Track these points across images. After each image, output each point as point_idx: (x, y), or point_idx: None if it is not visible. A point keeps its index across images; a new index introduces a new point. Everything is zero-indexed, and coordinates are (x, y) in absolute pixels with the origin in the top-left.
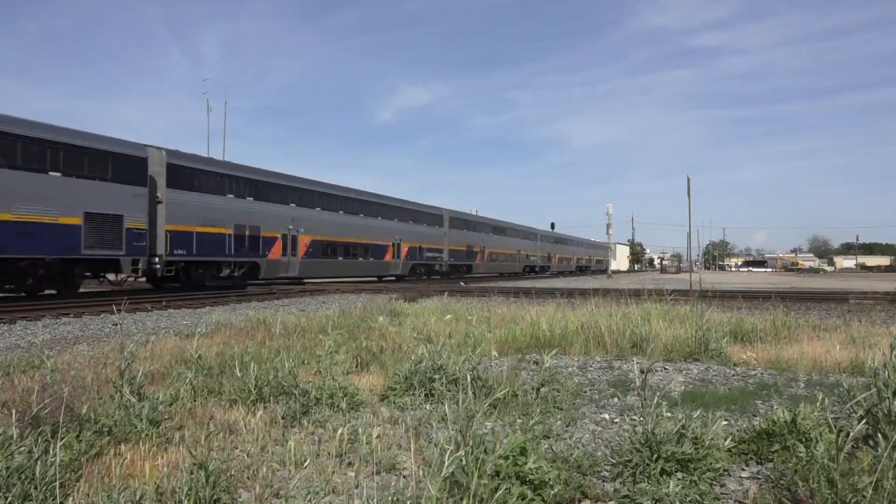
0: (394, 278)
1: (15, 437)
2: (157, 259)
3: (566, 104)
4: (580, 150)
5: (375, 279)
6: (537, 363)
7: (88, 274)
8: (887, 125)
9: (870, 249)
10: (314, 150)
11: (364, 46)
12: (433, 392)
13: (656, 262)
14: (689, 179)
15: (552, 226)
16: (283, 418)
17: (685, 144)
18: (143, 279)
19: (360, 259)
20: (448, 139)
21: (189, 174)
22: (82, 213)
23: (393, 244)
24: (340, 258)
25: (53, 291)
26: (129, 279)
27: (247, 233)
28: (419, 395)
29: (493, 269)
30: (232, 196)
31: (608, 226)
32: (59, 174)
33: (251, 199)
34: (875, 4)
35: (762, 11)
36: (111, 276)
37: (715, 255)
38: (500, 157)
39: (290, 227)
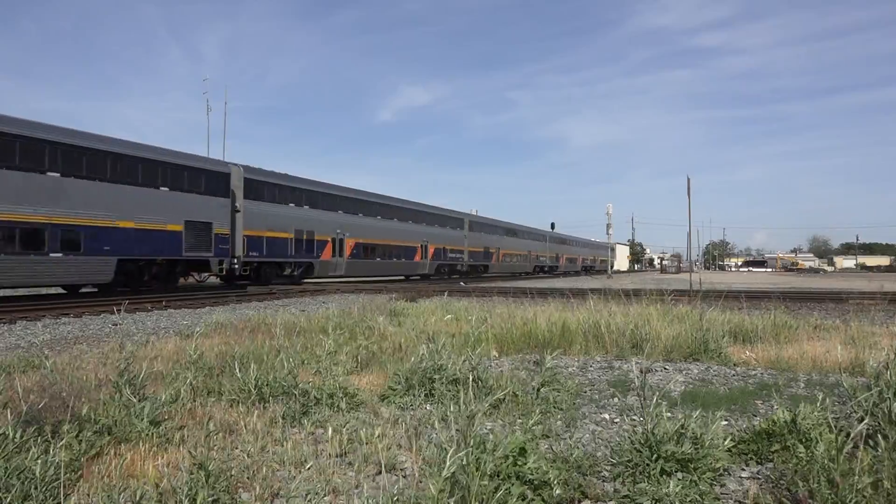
0: (419, 277)
1: (12, 437)
2: (236, 260)
3: (566, 104)
4: (580, 150)
5: (403, 278)
6: (537, 363)
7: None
8: (887, 125)
9: (870, 249)
10: (314, 150)
11: (364, 46)
12: (433, 392)
13: (656, 262)
14: (689, 179)
15: (552, 226)
16: (283, 418)
17: (685, 144)
18: (216, 278)
19: (395, 259)
20: (448, 139)
21: (261, 187)
22: (183, 222)
23: (421, 246)
24: (378, 259)
25: (159, 285)
26: (209, 277)
27: (304, 237)
28: (419, 395)
29: (507, 269)
30: (293, 205)
31: (608, 226)
32: (167, 189)
33: (307, 207)
34: (875, 4)
35: (762, 11)
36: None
37: (715, 255)
38: (500, 157)
39: (339, 231)
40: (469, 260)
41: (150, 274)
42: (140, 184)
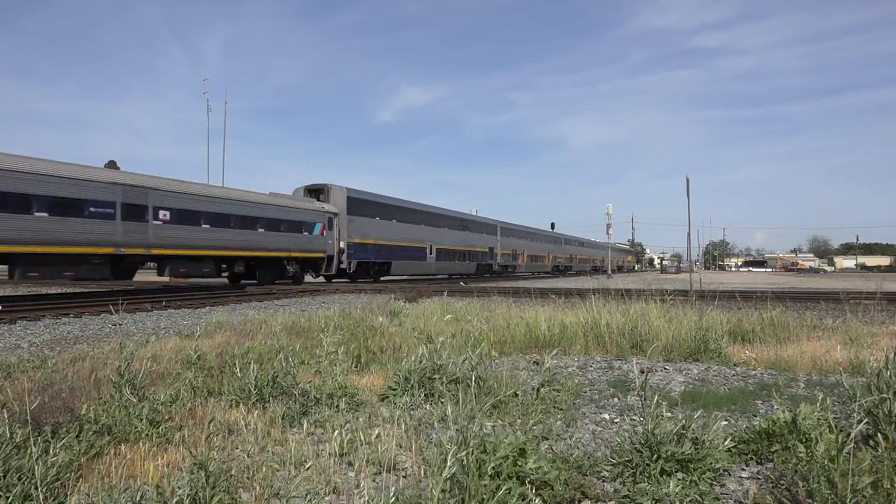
0: (545, 273)
1: (10, 436)
2: (496, 264)
3: (566, 104)
4: (580, 150)
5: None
6: (537, 363)
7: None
8: (887, 125)
9: (870, 249)
10: (314, 151)
11: (365, 47)
12: (433, 392)
13: (656, 262)
14: (687, 179)
15: (552, 226)
16: (283, 418)
17: (685, 144)
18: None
19: (538, 262)
20: (448, 139)
21: (505, 231)
22: (488, 248)
23: (548, 254)
24: (532, 262)
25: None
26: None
27: (513, 252)
28: (419, 395)
29: (579, 269)
30: (509, 237)
31: (608, 226)
32: (486, 234)
33: (514, 238)
34: (875, 4)
35: (761, 12)
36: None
37: (715, 255)
38: (500, 157)
39: (521, 248)
40: (564, 262)
41: (481, 271)
42: (481, 232)
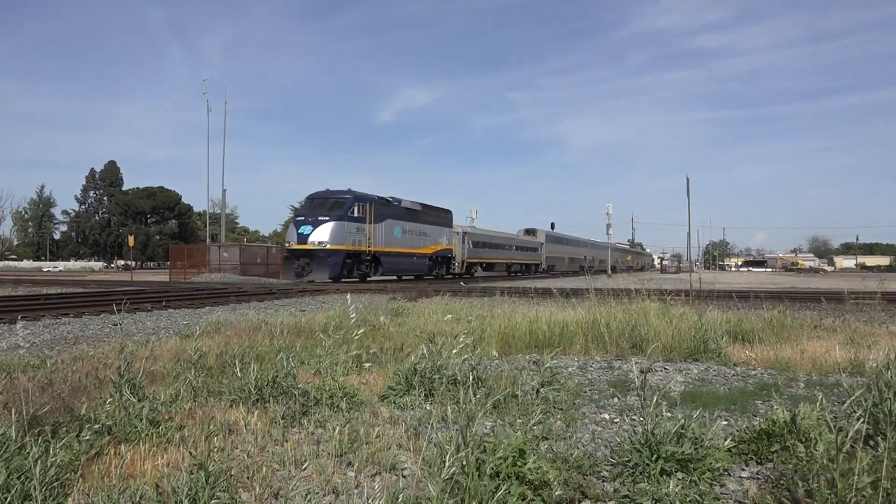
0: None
1: (14, 437)
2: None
3: (566, 104)
4: (580, 150)
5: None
6: (537, 363)
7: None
8: (887, 125)
9: (870, 249)
10: (315, 151)
11: (365, 47)
12: (433, 392)
13: (656, 261)
14: (688, 179)
15: (552, 226)
16: (282, 418)
17: (685, 145)
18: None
19: (595, 265)
20: (448, 139)
21: (592, 245)
22: (583, 256)
23: (604, 259)
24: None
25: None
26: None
27: (586, 257)
28: (419, 395)
29: (622, 269)
30: (588, 247)
31: (608, 226)
32: (596, 248)
33: (587, 248)
34: (874, 5)
35: (761, 13)
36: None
37: (715, 255)
38: (500, 158)
39: (591, 255)
40: (615, 264)
41: (581, 271)
42: (583, 247)
